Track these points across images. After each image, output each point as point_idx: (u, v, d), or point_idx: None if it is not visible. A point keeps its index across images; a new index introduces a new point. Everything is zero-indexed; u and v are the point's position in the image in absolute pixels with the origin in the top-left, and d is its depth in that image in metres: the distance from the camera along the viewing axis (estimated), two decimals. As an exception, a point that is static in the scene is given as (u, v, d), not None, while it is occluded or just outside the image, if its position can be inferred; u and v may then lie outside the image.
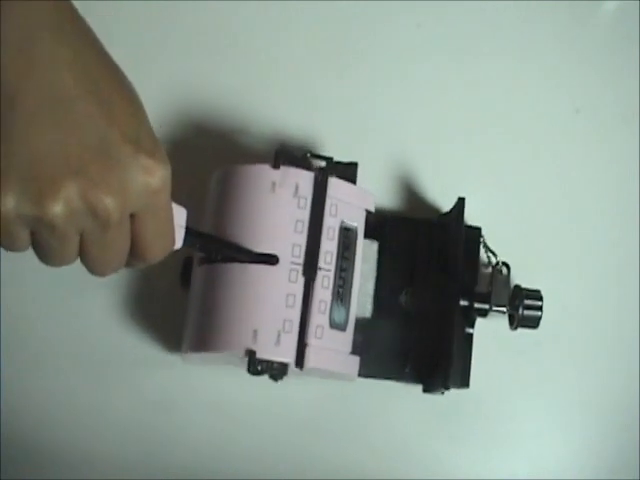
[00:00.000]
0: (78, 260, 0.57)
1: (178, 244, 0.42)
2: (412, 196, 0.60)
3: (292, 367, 0.48)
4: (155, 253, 0.38)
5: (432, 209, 0.60)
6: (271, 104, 0.60)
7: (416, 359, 0.56)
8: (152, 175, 0.35)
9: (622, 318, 0.60)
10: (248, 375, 0.47)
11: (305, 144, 0.60)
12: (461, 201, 0.54)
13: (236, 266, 0.48)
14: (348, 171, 0.53)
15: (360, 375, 0.52)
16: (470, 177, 0.61)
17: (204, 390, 0.57)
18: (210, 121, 0.60)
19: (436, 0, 0.63)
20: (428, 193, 0.60)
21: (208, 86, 0.61)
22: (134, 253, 0.37)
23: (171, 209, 0.38)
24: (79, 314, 0.57)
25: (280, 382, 0.50)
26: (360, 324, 0.51)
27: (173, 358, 0.55)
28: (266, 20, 0.62)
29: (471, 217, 0.59)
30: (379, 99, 0.62)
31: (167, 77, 0.60)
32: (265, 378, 0.49)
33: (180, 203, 0.44)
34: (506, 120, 0.62)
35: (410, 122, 0.62)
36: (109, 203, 0.33)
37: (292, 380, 0.49)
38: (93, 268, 0.37)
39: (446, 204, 0.58)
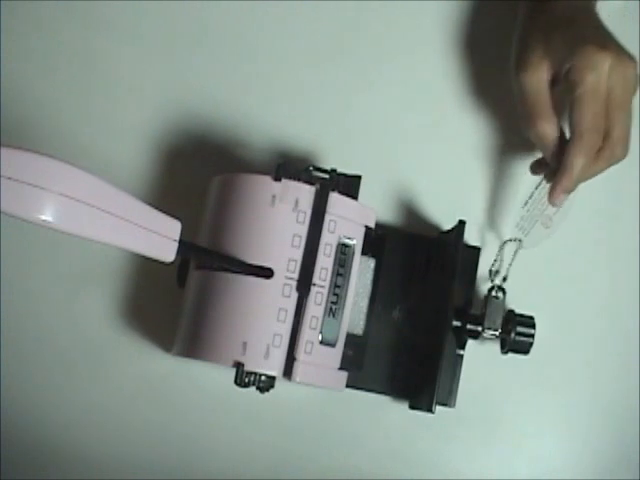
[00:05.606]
0: (76, 258, 0.58)
1: (170, 257, 0.42)
2: (413, 210, 0.60)
3: (279, 377, 0.48)
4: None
5: (433, 225, 0.59)
6: (272, 115, 0.60)
7: (404, 376, 0.56)
8: None
9: (620, 319, 0.60)
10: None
11: (307, 155, 0.59)
12: (461, 224, 0.54)
13: (230, 276, 0.48)
14: (351, 184, 0.52)
15: (348, 387, 0.53)
16: (472, 194, 0.61)
17: (203, 389, 0.57)
18: (211, 130, 0.60)
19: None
20: (430, 208, 0.60)
21: (209, 95, 0.60)
22: None
23: None
24: (77, 314, 0.57)
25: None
26: (351, 340, 0.51)
27: (170, 356, 0.55)
28: (268, 29, 0.61)
29: (471, 237, 0.58)
30: (383, 113, 0.61)
31: (167, 86, 0.60)
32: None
33: (179, 212, 0.44)
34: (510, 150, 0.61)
35: (415, 137, 0.61)
36: None
37: (285, 381, 0.49)
38: None
39: (449, 220, 0.58)
